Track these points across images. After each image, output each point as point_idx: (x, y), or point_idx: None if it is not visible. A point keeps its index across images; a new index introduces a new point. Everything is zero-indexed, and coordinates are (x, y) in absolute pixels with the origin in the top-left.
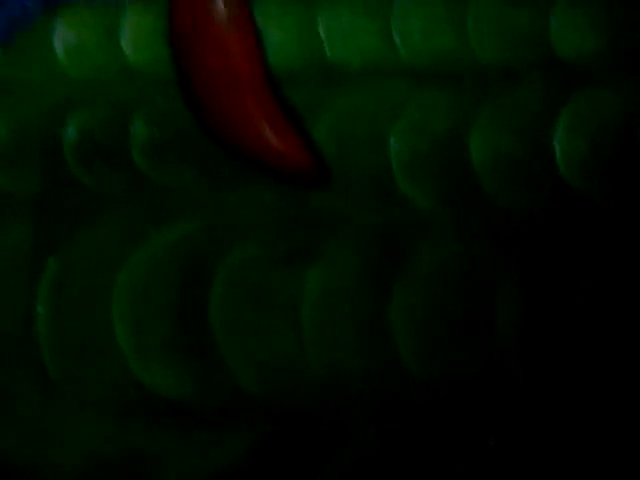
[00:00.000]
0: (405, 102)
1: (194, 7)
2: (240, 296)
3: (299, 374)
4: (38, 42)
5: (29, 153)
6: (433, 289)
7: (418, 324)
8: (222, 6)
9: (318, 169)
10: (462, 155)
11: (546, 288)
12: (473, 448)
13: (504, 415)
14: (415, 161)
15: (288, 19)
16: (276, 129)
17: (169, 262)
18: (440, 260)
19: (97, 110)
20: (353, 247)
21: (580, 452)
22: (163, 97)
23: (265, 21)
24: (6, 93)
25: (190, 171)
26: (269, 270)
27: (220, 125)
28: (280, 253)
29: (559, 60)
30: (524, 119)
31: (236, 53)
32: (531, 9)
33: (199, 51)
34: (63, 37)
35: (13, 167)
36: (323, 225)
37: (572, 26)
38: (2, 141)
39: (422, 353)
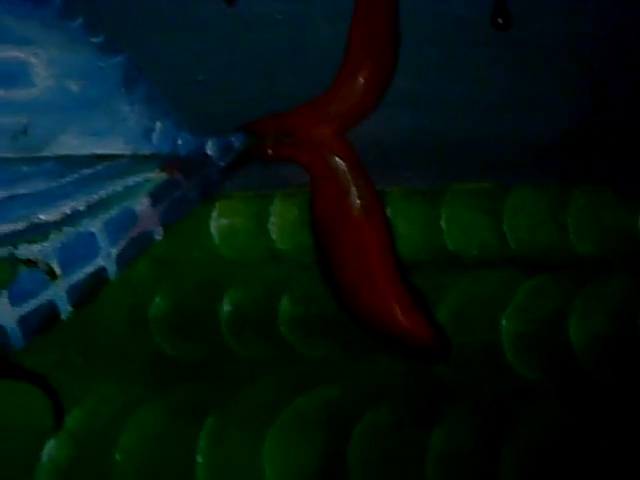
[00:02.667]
0: (514, 288)
1: (333, 200)
2: (374, 451)
3: None
4: (197, 226)
5: (190, 324)
6: (539, 451)
7: None
8: (357, 200)
9: (440, 344)
10: (562, 335)
11: None
12: None
13: None
14: (522, 339)
15: (414, 213)
16: (404, 309)
17: (313, 422)
18: (544, 425)
19: (248, 288)
20: (470, 412)
21: None
22: (306, 278)
23: (394, 214)
24: (169, 270)
25: (330, 343)
26: (399, 430)
27: (355, 304)
28: (408, 416)
29: None
30: (616, 303)
31: (369, 241)
32: (621, 209)
33: (337, 239)
34: (218, 222)
35: (176, 335)
36: (444, 392)
37: None
38: (167, 313)
39: None
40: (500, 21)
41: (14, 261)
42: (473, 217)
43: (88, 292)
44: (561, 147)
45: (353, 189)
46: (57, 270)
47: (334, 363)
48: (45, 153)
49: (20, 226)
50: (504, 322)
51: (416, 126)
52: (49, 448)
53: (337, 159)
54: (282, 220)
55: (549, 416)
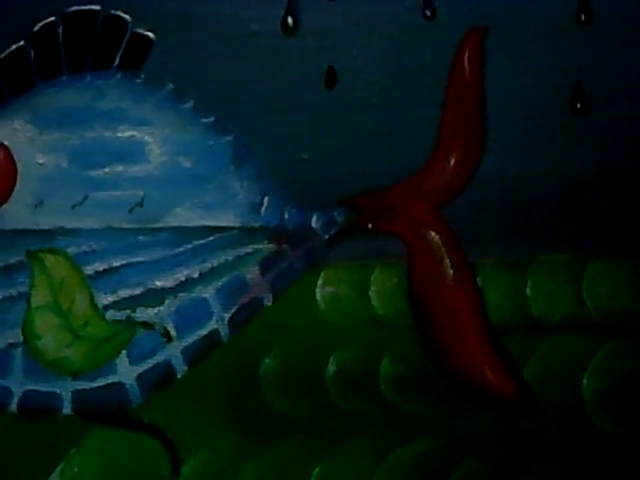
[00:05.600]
0: (594, 350)
1: (428, 270)
2: None
3: None
4: (303, 293)
5: (298, 382)
6: None
7: None
8: (450, 270)
9: (526, 400)
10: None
11: None
12: None
13: None
14: (603, 397)
15: (502, 282)
16: (493, 369)
17: (411, 472)
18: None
19: (352, 350)
20: (556, 464)
21: None
22: (405, 341)
23: (484, 283)
24: (278, 333)
25: (426, 400)
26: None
27: (449, 364)
28: (499, 467)
29: None
30: None
31: (462, 308)
32: None
33: (433, 305)
34: (323, 290)
35: (285, 392)
36: (532, 445)
37: None
38: (276, 371)
39: None
40: (579, 106)
41: (133, 324)
42: (556, 286)
43: (202, 352)
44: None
45: (447, 260)
46: (173, 332)
47: (430, 418)
48: (160, 224)
49: (138, 291)
50: (585, 381)
51: (504, 202)
52: None
53: (432, 233)
54: (382, 288)
55: (629, 469)
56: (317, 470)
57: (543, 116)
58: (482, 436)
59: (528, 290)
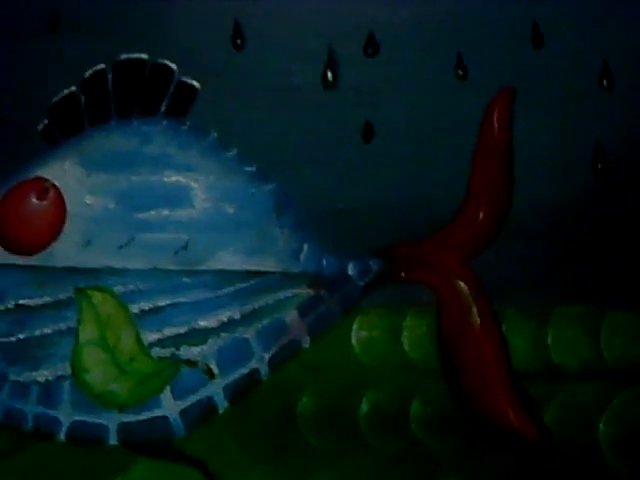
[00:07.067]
0: (611, 397)
1: (456, 318)
2: None
3: None
4: (339, 337)
5: (333, 420)
6: None
7: None
8: (477, 318)
9: (546, 442)
10: None
11: None
12: None
13: None
14: (618, 442)
15: (525, 330)
16: (516, 412)
17: None
18: None
19: (384, 391)
20: None
21: None
22: (433, 384)
23: (508, 331)
24: (315, 374)
25: (453, 440)
26: None
27: (475, 406)
28: None
29: None
30: None
31: (487, 354)
32: None
33: (460, 351)
34: (358, 334)
35: (320, 429)
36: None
37: None
38: (313, 410)
39: None
40: (600, 166)
41: (177, 361)
42: (575, 335)
43: (242, 390)
44: None
45: (474, 309)
46: (215, 370)
47: (456, 457)
48: (203, 267)
49: (182, 330)
50: (602, 426)
51: (528, 256)
52: None
53: (461, 283)
54: (413, 333)
55: None
56: None
57: (566, 177)
58: (504, 475)
59: (549, 339)
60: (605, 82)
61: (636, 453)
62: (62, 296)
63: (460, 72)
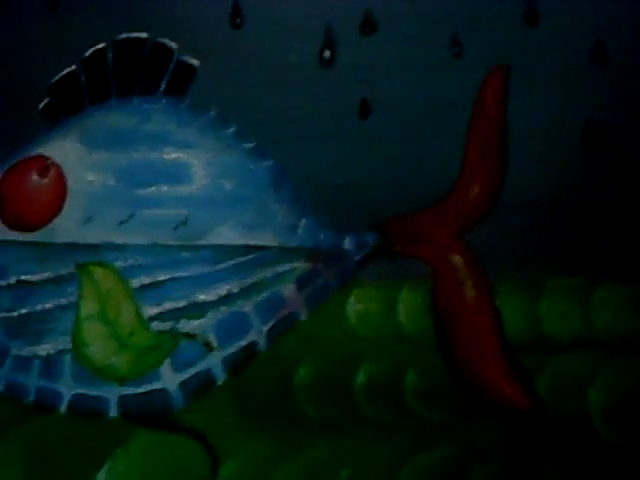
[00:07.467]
0: (600, 367)
1: (450, 290)
2: None
3: None
4: (335, 309)
5: (329, 391)
6: None
7: None
8: (471, 291)
9: (538, 411)
10: None
11: None
12: None
13: None
14: (610, 406)
15: (518, 303)
16: (508, 382)
17: (430, 474)
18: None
19: (380, 362)
20: (566, 469)
21: None
22: (427, 355)
23: (501, 303)
24: (312, 346)
25: (447, 410)
26: None
27: (468, 377)
28: (512, 471)
29: None
30: None
31: (481, 326)
32: None
33: (453, 323)
34: (354, 307)
35: (317, 400)
36: (542, 453)
37: None
38: (309, 382)
39: None
40: (591, 142)
41: (176, 334)
42: (567, 307)
43: (241, 362)
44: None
45: (468, 282)
46: (213, 343)
47: (450, 426)
48: (202, 242)
49: (181, 305)
50: (592, 396)
51: (521, 229)
52: None
53: (455, 256)
54: (408, 306)
55: (631, 476)
56: (345, 472)
57: (554, 149)
58: (496, 444)
59: (541, 311)
60: (599, 60)
61: (625, 421)
62: (63, 271)
63: (456, 50)
